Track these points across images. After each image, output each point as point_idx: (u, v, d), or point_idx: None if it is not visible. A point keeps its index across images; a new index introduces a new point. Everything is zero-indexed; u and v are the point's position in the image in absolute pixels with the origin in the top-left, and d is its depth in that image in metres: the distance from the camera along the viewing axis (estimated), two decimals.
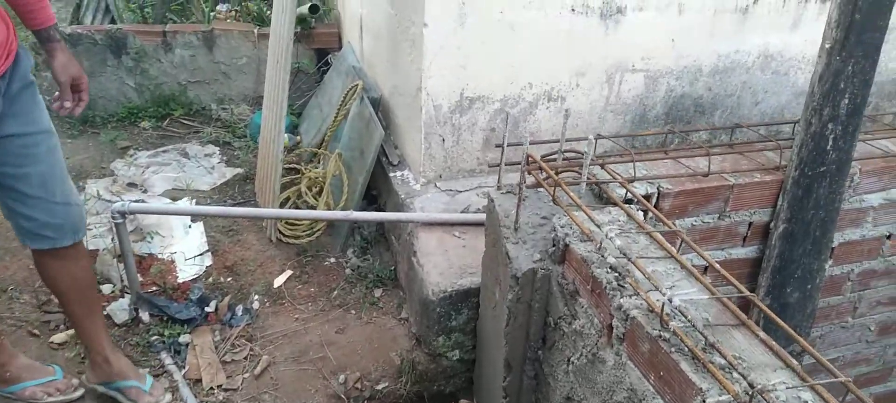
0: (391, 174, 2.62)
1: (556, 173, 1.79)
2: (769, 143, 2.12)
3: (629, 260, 1.42)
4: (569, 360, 1.65)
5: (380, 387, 2.20)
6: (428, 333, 2.19)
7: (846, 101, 1.85)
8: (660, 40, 2.47)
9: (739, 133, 2.31)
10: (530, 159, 1.77)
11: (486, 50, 2.28)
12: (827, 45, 1.82)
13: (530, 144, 1.72)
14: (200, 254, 2.67)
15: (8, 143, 1.67)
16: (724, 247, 2.09)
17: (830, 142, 1.89)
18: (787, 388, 1.11)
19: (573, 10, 2.30)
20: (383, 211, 2.76)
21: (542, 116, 2.49)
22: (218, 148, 3.46)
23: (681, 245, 1.78)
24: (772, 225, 2.07)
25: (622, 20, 2.37)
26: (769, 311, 1.29)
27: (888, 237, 2.32)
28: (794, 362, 1.16)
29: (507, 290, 1.73)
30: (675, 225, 1.87)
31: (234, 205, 3.00)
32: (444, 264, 2.19)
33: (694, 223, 1.99)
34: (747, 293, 1.32)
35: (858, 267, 2.38)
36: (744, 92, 2.71)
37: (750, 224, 2.07)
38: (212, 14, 3.86)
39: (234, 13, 3.99)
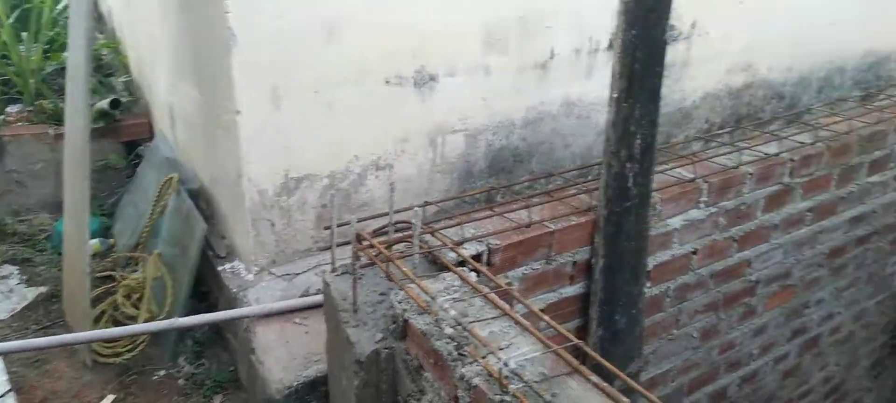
0: (220, 267, 2.46)
1: (389, 247, 1.77)
2: (581, 186, 2.29)
3: (464, 327, 1.42)
4: None
5: None
6: None
7: (639, 142, 2.04)
8: (473, 101, 2.59)
9: (556, 178, 2.49)
10: (360, 237, 1.74)
11: (306, 129, 2.25)
12: (614, 95, 2.00)
13: (359, 221, 1.69)
14: (1, 396, 2.29)
15: None
16: (555, 289, 2.21)
17: (631, 180, 2.06)
18: None
19: (387, 82, 2.34)
20: (216, 308, 2.56)
21: (373, 185, 2.49)
22: (16, 267, 3.03)
23: (513, 301, 1.86)
24: (592, 261, 2.22)
25: (436, 87, 2.46)
26: (597, 356, 1.36)
27: (694, 252, 2.59)
28: (624, 399, 1.23)
29: (352, 376, 1.66)
30: (507, 277, 1.93)
31: (40, 331, 2.63)
32: (287, 357, 2.07)
33: (524, 272, 2.08)
34: (576, 340, 1.38)
35: (673, 283, 2.62)
36: (554, 138, 2.91)
37: (574, 263, 2.21)
38: (0, 118, 3.45)
39: (26, 114, 3.59)
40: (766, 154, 2.67)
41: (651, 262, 2.40)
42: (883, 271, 3.64)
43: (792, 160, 2.70)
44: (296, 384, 1.98)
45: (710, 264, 2.71)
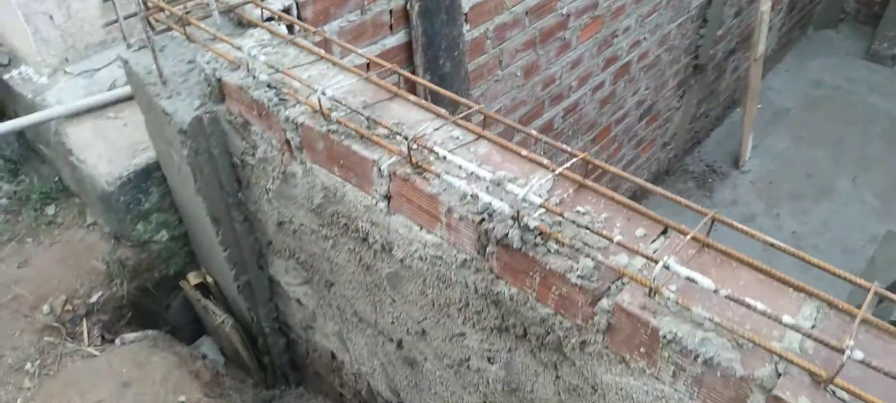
0: (6, 77, 2.25)
1: (185, 10, 1.64)
2: None
3: (280, 72, 1.43)
4: (267, 190, 1.65)
5: (94, 299, 2.06)
6: (123, 226, 2.05)
7: None
8: None
9: None
10: (148, 3, 1.63)
11: None
12: None
13: None
14: None
15: None
16: (377, 40, 2.17)
17: None
18: (435, 130, 1.27)
19: None
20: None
21: None
22: None
23: (332, 47, 1.87)
24: (408, 6, 2.14)
25: None
26: (428, 83, 1.45)
27: None
28: (441, 110, 1.33)
29: (180, 147, 1.63)
30: (324, 30, 1.88)
31: None
32: (110, 151, 2.01)
33: (342, 25, 2.03)
34: (400, 70, 1.42)
35: (491, 24, 2.55)
36: None
37: (390, 11, 2.14)
38: None
39: None
40: None
41: (466, 3, 2.31)
42: None
43: None
44: (126, 174, 1.94)
45: (523, 1, 2.63)
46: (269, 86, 1.45)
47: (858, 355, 0.81)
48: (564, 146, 1.24)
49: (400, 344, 1.65)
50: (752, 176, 4.95)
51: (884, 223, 4.53)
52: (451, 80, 2.37)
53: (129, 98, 2.10)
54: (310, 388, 2.39)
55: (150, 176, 2.00)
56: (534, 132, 1.28)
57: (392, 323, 1.60)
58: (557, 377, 1.22)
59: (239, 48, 1.53)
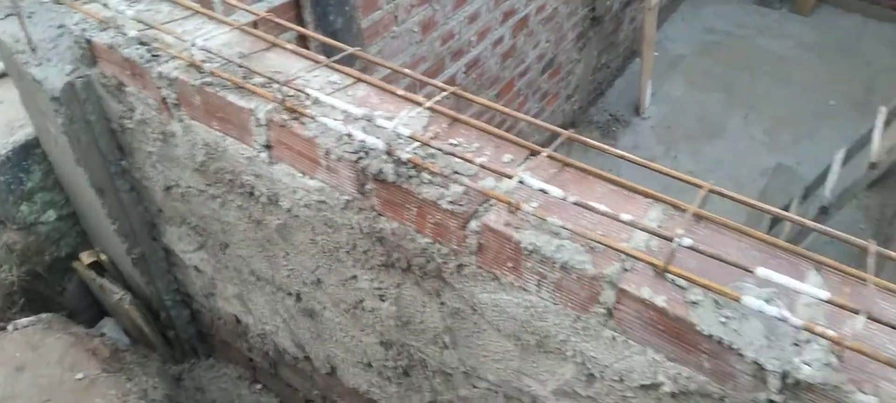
0: None
1: None
2: None
3: (152, 27, 1.42)
4: (149, 153, 1.64)
5: None
6: (5, 208, 1.96)
7: None
8: None
9: None
10: None
11: None
12: None
13: None
14: None
15: None
16: None
17: None
18: (307, 72, 1.31)
19: None
20: None
21: None
22: None
23: (214, 6, 1.87)
24: None
25: None
26: (316, 34, 1.50)
27: None
28: (318, 56, 1.34)
29: (55, 116, 1.58)
30: None
31: None
32: None
33: None
34: (285, 23, 1.46)
35: None
36: None
37: None
38: None
39: None
40: None
41: None
42: None
43: None
44: (4, 152, 1.87)
45: None
46: (140, 43, 1.41)
47: (687, 242, 0.89)
48: (435, 82, 1.27)
49: (298, 297, 1.66)
50: (652, 121, 5.20)
51: (773, 156, 4.87)
52: (343, 37, 2.32)
53: (2, 75, 2.03)
54: (219, 358, 2.35)
55: (30, 153, 1.92)
56: (407, 70, 1.30)
57: (288, 276, 1.61)
58: (442, 304, 1.27)
59: (106, 6, 1.49)
